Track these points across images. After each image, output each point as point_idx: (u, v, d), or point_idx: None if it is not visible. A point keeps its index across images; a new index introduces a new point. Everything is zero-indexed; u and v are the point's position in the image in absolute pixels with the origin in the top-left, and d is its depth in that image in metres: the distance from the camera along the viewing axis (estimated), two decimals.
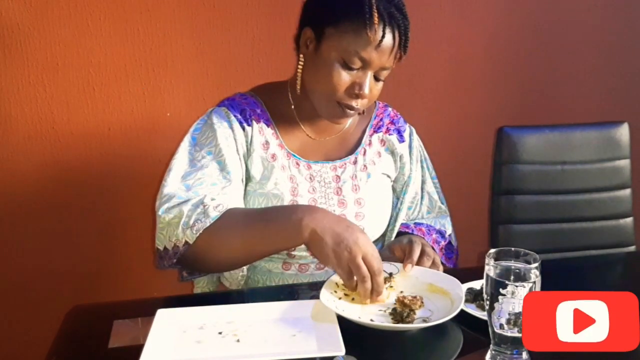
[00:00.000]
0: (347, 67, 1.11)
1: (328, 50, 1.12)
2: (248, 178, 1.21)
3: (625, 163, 1.63)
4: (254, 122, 1.21)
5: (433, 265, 1.14)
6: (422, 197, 1.38)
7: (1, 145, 1.65)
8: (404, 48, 1.14)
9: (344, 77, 1.12)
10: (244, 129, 1.20)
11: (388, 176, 1.33)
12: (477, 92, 2.06)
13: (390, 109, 1.38)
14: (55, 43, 1.62)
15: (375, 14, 1.08)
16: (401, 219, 1.34)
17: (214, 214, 1.06)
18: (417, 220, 1.36)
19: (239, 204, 1.16)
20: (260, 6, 1.75)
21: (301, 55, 1.19)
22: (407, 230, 1.32)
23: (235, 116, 1.21)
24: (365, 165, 1.28)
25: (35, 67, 1.62)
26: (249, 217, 1.09)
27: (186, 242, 1.05)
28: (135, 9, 1.65)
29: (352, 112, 1.16)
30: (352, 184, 1.25)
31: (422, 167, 1.38)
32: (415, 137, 1.38)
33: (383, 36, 1.09)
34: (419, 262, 1.12)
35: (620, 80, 2.17)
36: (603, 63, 2.14)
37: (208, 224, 1.05)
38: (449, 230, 1.36)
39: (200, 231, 1.04)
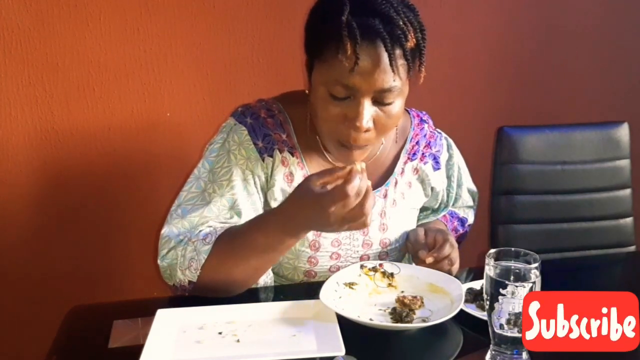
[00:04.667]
0: (335, 98, 0.98)
1: (316, 84, 1.01)
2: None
3: (625, 163, 1.63)
4: (276, 152, 1.11)
5: (449, 271, 1.11)
6: (456, 200, 1.35)
7: (1, 145, 1.65)
8: (406, 61, 0.98)
9: (334, 111, 0.99)
10: (263, 159, 1.10)
11: (415, 208, 1.27)
12: (477, 92, 2.05)
13: (426, 125, 1.27)
14: (55, 43, 1.62)
15: (344, 33, 0.92)
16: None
17: (205, 248, 1.03)
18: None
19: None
20: (261, 6, 1.75)
21: (307, 91, 1.08)
22: None
23: (255, 144, 1.10)
24: (394, 200, 1.19)
25: (35, 67, 1.62)
26: (238, 239, 1.02)
27: (190, 282, 1.05)
28: (135, 9, 1.65)
29: (357, 151, 1.03)
30: (380, 223, 1.18)
31: (459, 173, 1.33)
32: (455, 151, 1.31)
33: (357, 58, 0.92)
34: (438, 266, 1.09)
35: (620, 80, 2.17)
36: (603, 63, 2.14)
37: (203, 261, 1.03)
38: (470, 219, 1.35)
39: (199, 270, 1.03)
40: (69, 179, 1.72)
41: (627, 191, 1.64)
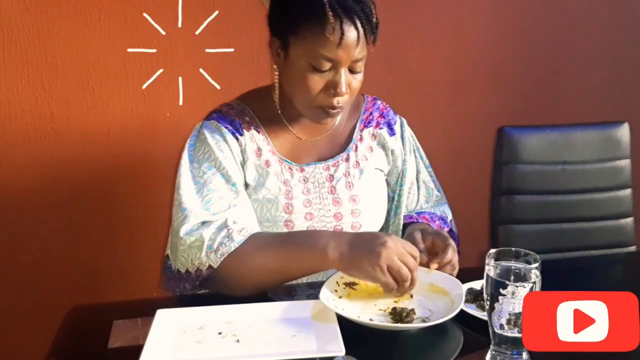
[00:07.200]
0: (318, 70, 1.10)
1: (296, 58, 1.11)
2: (245, 185, 1.21)
3: (625, 163, 1.63)
4: (244, 131, 1.21)
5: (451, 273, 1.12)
6: (418, 187, 1.38)
7: (1, 145, 1.65)
8: (372, 34, 1.11)
9: (317, 81, 1.11)
10: (237, 139, 1.20)
11: (381, 170, 1.32)
12: (477, 92, 2.05)
13: (379, 102, 1.37)
14: (55, 43, 1.62)
15: (329, 13, 1.05)
16: (402, 211, 1.34)
17: (239, 238, 1.06)
18: (417, 210, 1.36)
19: (253, 215, 1.16)
20: (261, 6, 1.75)
21: (275, 66, 1.19)
22: (410, 220, 1.32)
23: (226, 127, 1.20)
24: (357, 162, 1.27)
25: (35, 67, 1.62)
26: (274, 243, 1.09)
27: (210, 266, 1.06)
28: (135, 9, 1.65)
29: (335, 111, 1.15)
30: (346, 182, 1.25)
31: (415, 157, 1.38)
32: (407, 128, 1.37)
33: (342, 33, 1.06)
34: (442, 268, 1.10)
35: (621, 80, 2.17)
36: (603, 63, 2.14)
37: (233, 248, 1.05)
38: (449, 216, 1.36)
39: (225, 255, 1.05)
40: (68, 178, 1.72)
41: (628, 191, 1.64)
